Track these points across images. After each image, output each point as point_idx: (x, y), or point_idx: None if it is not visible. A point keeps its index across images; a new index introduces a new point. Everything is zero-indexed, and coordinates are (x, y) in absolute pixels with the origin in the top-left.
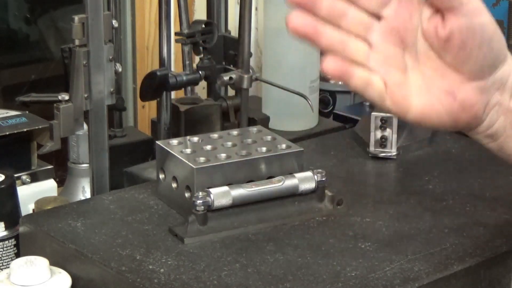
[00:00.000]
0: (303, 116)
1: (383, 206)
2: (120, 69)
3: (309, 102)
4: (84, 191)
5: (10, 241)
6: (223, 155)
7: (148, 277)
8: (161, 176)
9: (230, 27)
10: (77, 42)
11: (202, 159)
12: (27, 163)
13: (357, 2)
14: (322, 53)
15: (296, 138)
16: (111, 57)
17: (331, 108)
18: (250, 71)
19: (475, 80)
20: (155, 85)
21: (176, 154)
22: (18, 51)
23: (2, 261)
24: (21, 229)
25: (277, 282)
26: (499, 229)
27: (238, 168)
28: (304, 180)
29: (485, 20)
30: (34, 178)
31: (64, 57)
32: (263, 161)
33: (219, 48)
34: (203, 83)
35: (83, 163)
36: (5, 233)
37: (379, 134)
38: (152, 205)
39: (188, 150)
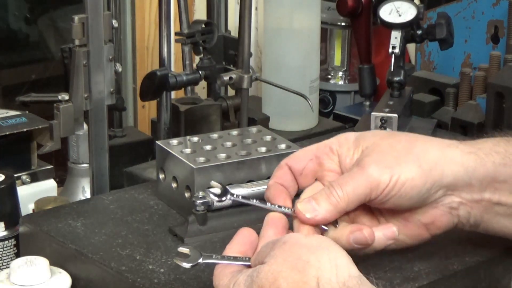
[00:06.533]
0: (303, 116)
1: None
2: (120, 69)
3: (309, 102)
4: (84, 191)
5: (10, 241)
6: (223, 155)
7: (148, 277)
8: (161, 176)
9: (230, 27)
10: (77, 42)
11: (202, 159)
12: (27, 163)
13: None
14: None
15: (296, 138)
16: (111, 57)
17: (331, 108)
18: (250, 71)
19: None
20: (155, 85)
21: (176, 154)
22: (18, 51)
23: (2, 261)
24: (21, 229)
25: None
26: None
27: (238, 168)
28: None
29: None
30: (34, 178)
31: (64, 57)
32: (263, 161)
33: (219, 48)
34: (203, 83)
35: (83, 163)
36: (5, 233)
37: None
38: (152, 205)
39: (188, 150)
